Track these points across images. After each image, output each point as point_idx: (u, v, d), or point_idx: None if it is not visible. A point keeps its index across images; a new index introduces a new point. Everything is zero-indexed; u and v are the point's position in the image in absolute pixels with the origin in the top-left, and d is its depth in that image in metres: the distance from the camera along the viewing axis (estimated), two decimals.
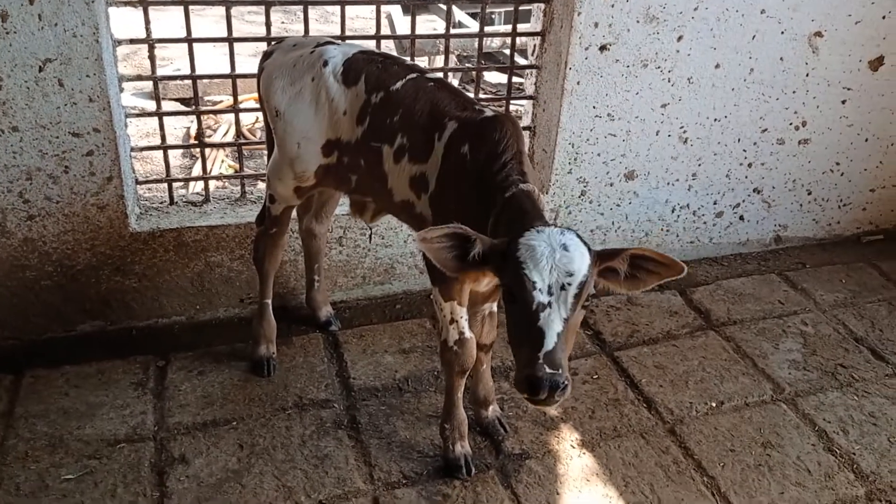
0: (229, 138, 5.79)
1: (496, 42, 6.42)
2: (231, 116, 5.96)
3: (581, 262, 2.01)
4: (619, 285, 2.14)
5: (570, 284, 2.00)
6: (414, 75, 2.69)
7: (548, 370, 1.93)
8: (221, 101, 6.42)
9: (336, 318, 3.56)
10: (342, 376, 3.27)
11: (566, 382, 1.95)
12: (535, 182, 2.40)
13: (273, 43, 3.04)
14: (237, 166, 5.46)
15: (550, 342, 1.96)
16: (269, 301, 3.25)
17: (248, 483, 2.72)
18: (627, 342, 3.59)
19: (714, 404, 3.25)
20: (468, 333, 2.67)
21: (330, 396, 3.14)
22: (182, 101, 6.38)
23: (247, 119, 6.04)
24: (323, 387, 3.19)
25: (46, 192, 3.05)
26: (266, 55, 2.96)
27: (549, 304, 1.99)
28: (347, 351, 3.40)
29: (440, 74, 2.84)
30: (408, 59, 3.02)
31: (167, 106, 5.99)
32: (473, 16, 7.28)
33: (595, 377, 3.35)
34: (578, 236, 2.08)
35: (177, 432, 2.92)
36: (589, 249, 2.07)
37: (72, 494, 2.64)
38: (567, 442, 3.01)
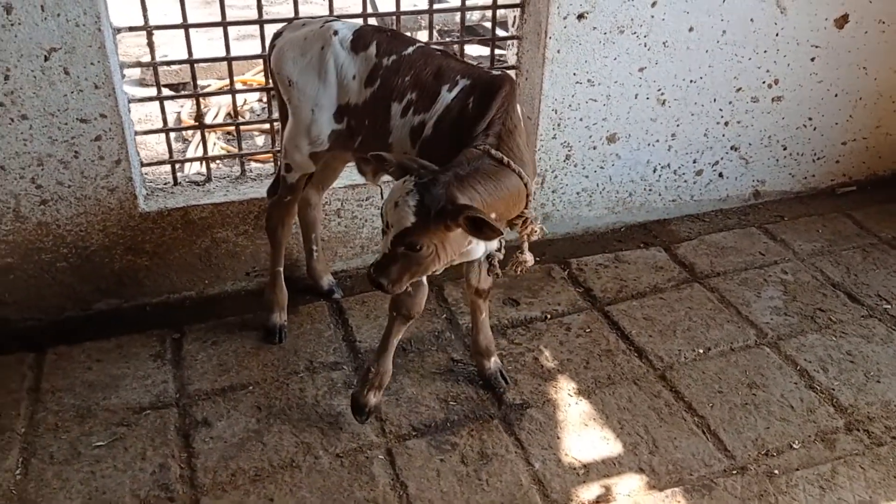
0: (220, 120, 5.91)
1: (475, 15, 6.54)
2: (220, 99, 6.10)
3: (398, 222, 2.37)
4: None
5: (389, 230, 2.41)
6: (422, 44, 2.91)
7: (372, 272, 2.47)
8: (209, 85, 6.54)
9: (338, 286, 3.72)
10: (348, 340, 3.44)
11: (381, 283, 2.47)
12: (519, 145, 2.58)
13: (283, 25, 3.19)
14: (230, 148, 5.61)
15: (379, 256, 2.48)
16: (281, 269, 3.41)
17: (269, 441, 2.90)
18: (617, 297, 3.78)
19: (701, 350, 3.44)
20: (423, 280, 2.82)
21: (339, 359, 3.32)
22: (170, 86, 6.47)
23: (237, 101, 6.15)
24: (331, 350, 3.36)
25: (58, 176, 3.19)
26: (277, 35, 3.12)
27: (384, 231, 2.45)
28: (352, 316, 3.57)
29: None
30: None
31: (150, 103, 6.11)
32: None
33: (588, 331, 3.54)
34: (422, 200, 2.33)
35: (197, 398, 3.09)
36: (424, 213, 2.32)
37: (104, 459, 2.80)
38: (564, 391, 3.20)
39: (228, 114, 6.19)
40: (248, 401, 3.08)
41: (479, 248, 2.74)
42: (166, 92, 5.99)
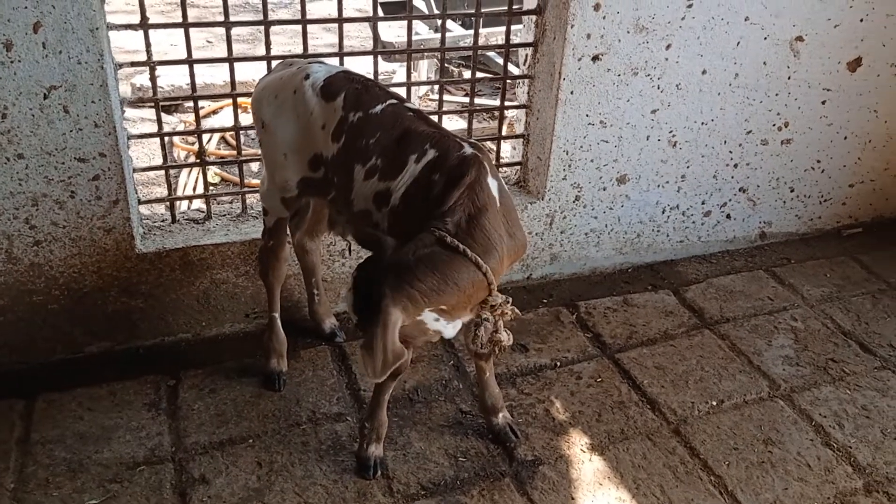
0: (212, 145, 5.79)
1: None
2: (210, 122, 5.97)
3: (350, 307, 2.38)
4: None
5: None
6: (394, 101, 2.74)
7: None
8: (201, 108, 6.42)
9: (340, 329, 3.60)
10: (352, 389, 3.31)
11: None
12: (485, 228, 2.43)
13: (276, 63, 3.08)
14: (224, 174, 5.48)
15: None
16: (277, 314, 3.28)
17: (271, 501, 2.77)
18: (627, 344, 3.68)
19: (715, 403, 3.35)
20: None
21: (342, 410, 3.19)
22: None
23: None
24: (335, 400, 3.23)
25: (53, 217, 3.05)
26: (266, 74, 3.02)
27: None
28: (355, 363, 3.44)
29: (417, 105, 2.87)
30: (390, 87, 3.03)
31: (139, 114, 5.99)
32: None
33: (599, 380, 3.44)
34: (356, 297, 2.37)
35: (194, 452, 2.95)
36: (361, 310, 2.33)
37: None
38: (577, 446, 3.09)
39: (222, 138, 6.07)
40: (248, 456, 2.95)
41: (449, 328, 2.53)
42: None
